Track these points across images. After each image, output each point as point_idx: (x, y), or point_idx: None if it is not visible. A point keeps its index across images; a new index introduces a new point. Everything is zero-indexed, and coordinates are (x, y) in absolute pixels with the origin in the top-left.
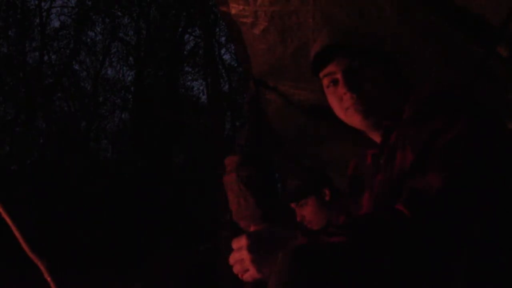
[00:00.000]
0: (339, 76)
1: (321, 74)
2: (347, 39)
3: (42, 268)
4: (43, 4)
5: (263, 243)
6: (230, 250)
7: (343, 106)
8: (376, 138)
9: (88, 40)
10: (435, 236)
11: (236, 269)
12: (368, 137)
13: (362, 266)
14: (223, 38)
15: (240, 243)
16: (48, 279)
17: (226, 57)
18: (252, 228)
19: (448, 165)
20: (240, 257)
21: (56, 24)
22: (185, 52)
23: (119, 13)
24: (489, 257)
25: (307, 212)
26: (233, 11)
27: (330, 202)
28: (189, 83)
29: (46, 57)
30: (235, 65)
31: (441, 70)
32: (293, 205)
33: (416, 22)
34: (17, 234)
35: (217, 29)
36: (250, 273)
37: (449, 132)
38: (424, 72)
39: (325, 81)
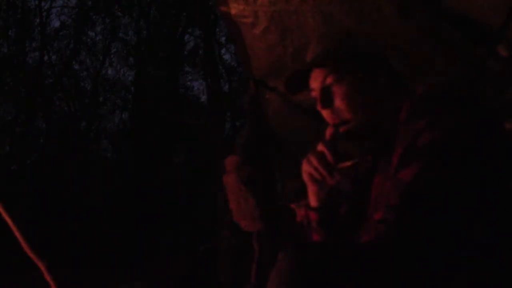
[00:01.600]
0: (317, 93)
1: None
2: (327, 53)
3: (42, 268)
4: (43, 4)
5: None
6: (230, 250)
7: (328, 120)
8: (376, 140)
9: (88, 40)
10: (413, 235)
11: None
12: (368, 139)
13: (361, 266)
14: (223, 38)
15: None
16: (48, 279)
17: (226, 57)
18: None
19: (421, 162)
20: None
21: (56, 24)
22: (185, 52)
23: (119, 13)
24: (489, 257)
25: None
26: (233, 11)
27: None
28: (189, 83)
29: (46, 57)
30: (235, 65)
31: (441, 70)
32: (293, 205)
33: (416, 22)
34: (17, 234)
35: (217, 29)
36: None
37: (432, 131)
38: (424, 72)
39: (312, 94)
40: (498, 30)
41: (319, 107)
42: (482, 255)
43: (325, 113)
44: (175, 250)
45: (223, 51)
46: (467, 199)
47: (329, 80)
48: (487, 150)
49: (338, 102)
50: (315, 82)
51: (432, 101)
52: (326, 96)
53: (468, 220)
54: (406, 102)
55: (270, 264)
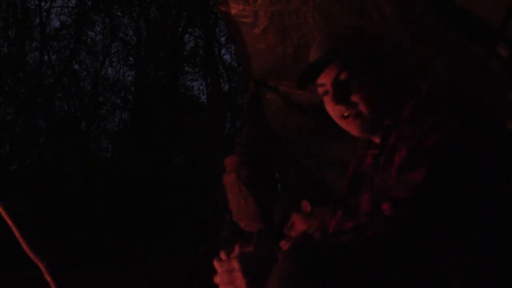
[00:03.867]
0: (329, 88)
1: (315, 84)
2: (338, 48)
3: (42, 268)
4: (43, 4)
5: (255, 265)
6: (230, 250)
7: (336, 115)
8: (376, 138)
9: (88, 40)
10: (423, 234)
11: None
12: (368, 138)
13: (361, 267)
14: (223, 38)
15: (231, 265)
16: (48, 279)
17: (226, 57)
18: (237, 248)
19: (431, 162)
20: (232, 279)
21: (56, 24)
22: (185, 52)
23: (119, 13)
24: (489, 257)
25: (298, 228)
26: (233, 11)
27: (313, 209)
28: (189, 83)
29: (46, 57)
30: (235, 65)
31: (441, 70)
32: (285, 231)
33: (416, 22)
34: (17, 234)
35: (217, 29)
36: None
37: (440, 131)
38: (424, 71)
39: (320, 90)
40: (498, 30)
41: (331, 103)
42: (482, 255)
43: (337, 108)
44: (174, 250)
45: (223, 51)
46: (476, 198)
47: (343, 76)
48: (494, 150)
49: (354, 97)
50: (326, 77)
51: (438, 101)
52: (340, 91)
53: (477, 218)
54: (409, 100)
55: (270, 264)
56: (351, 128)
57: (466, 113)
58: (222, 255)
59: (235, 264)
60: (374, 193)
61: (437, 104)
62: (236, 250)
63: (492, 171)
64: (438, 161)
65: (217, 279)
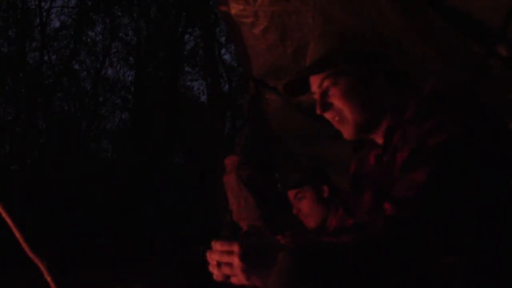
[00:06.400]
0: (317, 96)
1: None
2: (325, 56)
3: (42, 268)
4: (43, 4)
5: (255, 254)
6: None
7: (329, 120)
8: (378, 139)
9: (88, 40)
10: (424, 234)
11: (224, 270)
12: (369, 138)
13: (362, 266)
14: (223, 38)
15: (231, 248)
16: (48, 279)
17: (226, 57)
18: (245, 228)
19: (433, 162)
20: (229, 261)
21: (56, 24)
22: (185, 52)
23: (119, 13)
24: (489, 257)
25: (304, 206)
26: (233, 11)
27: (328, 199)
28: (189, 83)
29: (46, 57)
30: (235, 65)
31: (441, 70)
32: (291, 197)
33: (416, 22)
34: (17, 234)
35: (217, 29)
36: (238, 279)
37: (442, 132)
38: (424, 71)
39: (314, 97)
40: (498, 30)
41: (318, 111)
42: (482, 255)
43: (326, 116)
44: (175, 250)
45: (223, 51)
46: (477, 198)
47: (326, 84)
48: (495, 150)
49: (337, 103)
50: (314, 86)
51: (440, 101)
52: (325, 100)
53: (477, 218)
54: (411, 100)
55: (270, 265)
56: (342, 132)
57: (467, 113)
58: (213, 244)
59: (235, 247)
60: (376, 192)
61: (439, 104)
62: (244, 229)
63: (493, 172)
64: (440, 162)
65: (211, 268)
